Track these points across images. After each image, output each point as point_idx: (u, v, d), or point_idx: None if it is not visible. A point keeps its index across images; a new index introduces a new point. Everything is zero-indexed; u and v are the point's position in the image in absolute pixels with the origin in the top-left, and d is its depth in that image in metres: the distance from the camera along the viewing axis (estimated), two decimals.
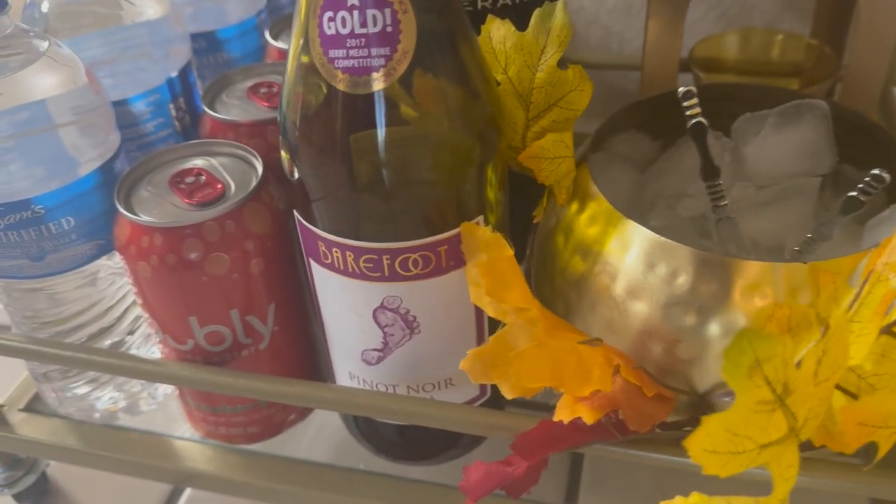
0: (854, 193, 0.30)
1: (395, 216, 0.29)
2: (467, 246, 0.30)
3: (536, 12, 0.31)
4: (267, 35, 0.46)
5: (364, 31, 0.26)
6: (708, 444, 0.21)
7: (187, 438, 0.41)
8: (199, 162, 0.36)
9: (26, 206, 0.33)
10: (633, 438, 0.29)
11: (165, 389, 0.43)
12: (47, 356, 0.36)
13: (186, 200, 0.33)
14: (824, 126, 0.36)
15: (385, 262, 0.30)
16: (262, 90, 0.40)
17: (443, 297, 0.31)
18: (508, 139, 0.34)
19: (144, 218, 0.33)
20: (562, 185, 0.34)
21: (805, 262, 0.27)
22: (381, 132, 0.27)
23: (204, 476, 0.40)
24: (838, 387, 0.25)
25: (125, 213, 0.33)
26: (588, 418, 0.27)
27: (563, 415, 0.27)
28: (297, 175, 0.30)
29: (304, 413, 0.41)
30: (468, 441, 0.39)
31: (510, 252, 0.28)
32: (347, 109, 0.27)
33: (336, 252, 0.30)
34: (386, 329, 0.32)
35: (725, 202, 0.34)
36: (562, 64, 0.32)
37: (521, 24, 0.32)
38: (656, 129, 0.39)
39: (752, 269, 0.28)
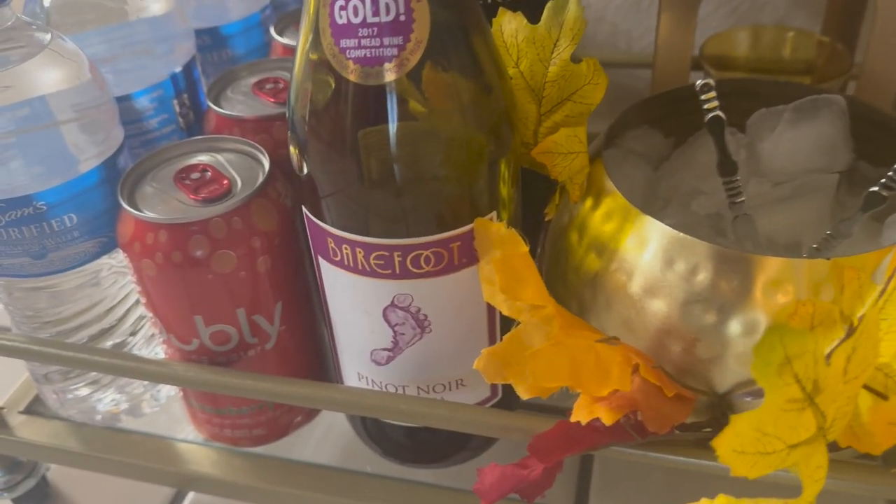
0: (876, 189, 0.30)
1: (407, 212, 0.29)
2: (480, 242, 0.29)
3: (549, 5, 0.31)
4: (272, 31, 0.45)
5: (376, 19, 0.25)
6: (736, 445, 0.20)
7: (191, 441, 0.41)
8: (204, 158, 0.35)
9: (28, 202, 0.33)
10: (652, 440, 0.28)
11: (168, 391, 0.43)
12: (48, 356, 0.35)
13: (192, 196, 0.33)
14: (841, 121, 0.35)
15: (396, 258, 0.29)
16: (268, 86, 0.39)
17: (455, 296, 0.31)
18: (520, 135, 0.33)
19: (149, 214, 0.32)
20: (575, 182, 0.33)
21: (828, 259, 0.27)
22: (393, 125, 0.27)
23: (208, 479, 0.39)
24: (865, 386, 0.25)
25: (129, 209, 0.32)
26: (606, 419, 0.26)
27: (580, 415, 0.26)
28: (306, 170, 0.29)
29: (310, 415, 0.40)
30: (478, 444, 0.38)
31: (525, 248, 0.28)
32: (359, 102, 0.27)
33: (346, 249, 0.29)
34: (396, 328, 0.31)
35: (742, 198, 0.33)
36: (572, 60, 0.31)
37: (534, 17, 0.31)
38: (669, 126, 0.39)
39: (773, 266, 0.27)
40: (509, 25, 0.31)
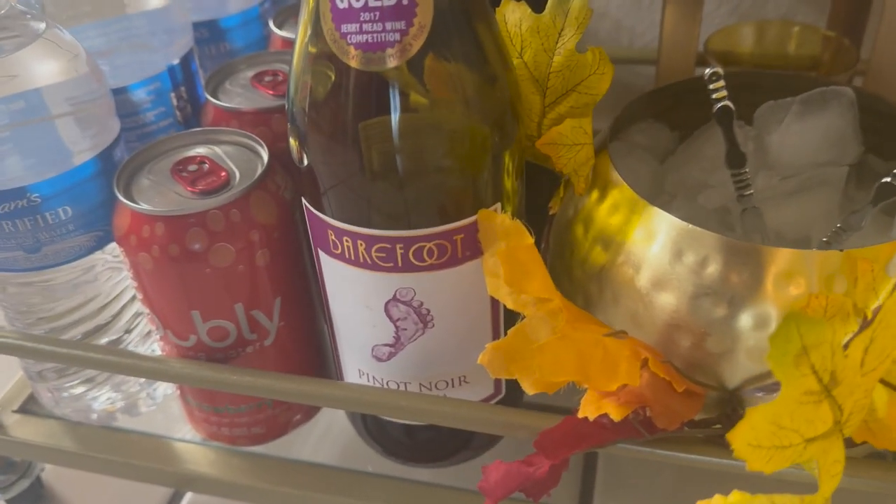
0: (888, 179, 0.29)
1: (409, 203, 0.28)
2: (484, 234, 0.28)
3: None
4: (271, 24, 0.45)
5: (378, 3, 0.24)
6: (752, 438, 0.20)
7: (188, 440, 0.40)
8: (202, 150, 0.34)
9: (22, 194, 0.32)
10: (660, 437, 0.27)
11: (165, 389, 0.42)
12: (42, 353, 0.35)
13: (189, 189, 0.32)
14: (850, 114, 0.35)
15: (398, 251, 0.28)
16: (267, 78, 0.39)
17: (458, 289, 0.30)
18: (524, 127, 0.32)
19: (145, 206, 0.31)
20: (580, 174, 0.32)
21: (841, 250, 0.26)
22: (395, 114, 0.26)
23: (206, 479, 0.38)
24: (882, 381, 0.24)
25: (125, 201, 0.31)
26: (615, 415, 0.25)
27: (588, 411, 0.26)
28: (306, 162, 0.29)
29: (309, 413, 0.39)
30: (481, 443, 0.37)
31: (530, 240, 0.27)
32: (360, 89, 0.26)
33: (347, 241, 0.29)
34: (398, 323, 0.31)
35: (751, 191, 0.32)
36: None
37: (538, 7, 0.30)
38: (674, 119, 0.38)
39: (785, 258, 0.26)
40: (513, 15, 0.31)
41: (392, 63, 0.25)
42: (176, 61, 0.41)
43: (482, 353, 0.26)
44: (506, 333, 0.27)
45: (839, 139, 0.35)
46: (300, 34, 0.27)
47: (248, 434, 0.38)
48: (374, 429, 0.38)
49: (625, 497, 0.40)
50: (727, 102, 0.31)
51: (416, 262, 0.29)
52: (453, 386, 0.33)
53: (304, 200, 0.30)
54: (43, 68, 0.32)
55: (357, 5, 0.24)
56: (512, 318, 0.28)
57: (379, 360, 0.32)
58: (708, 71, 0.30)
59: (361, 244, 0.29)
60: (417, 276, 0.29)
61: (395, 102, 0.26)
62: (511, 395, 0.35)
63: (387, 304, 0.30)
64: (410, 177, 0.27)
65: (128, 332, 0.39)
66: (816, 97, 0.35)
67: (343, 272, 0.30)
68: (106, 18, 0.39)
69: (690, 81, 0.37)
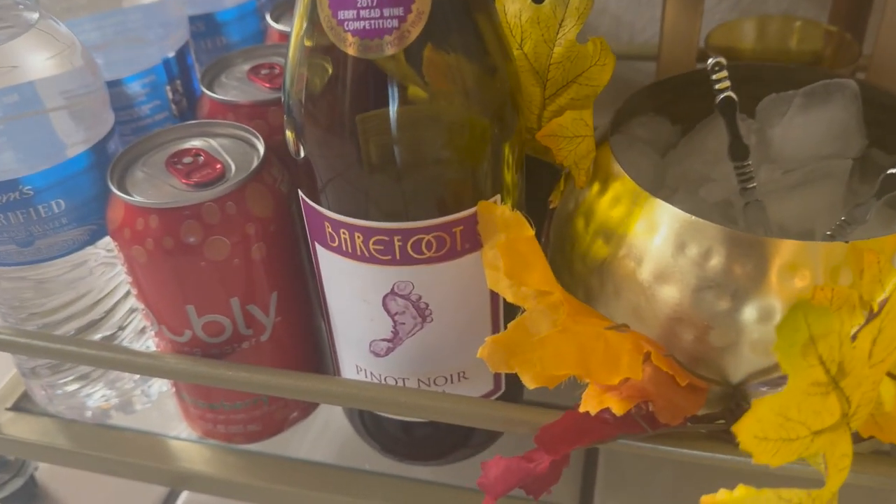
0: (893, 171, 0.29)
1: (408, 195, 0.27)
2: (484, 226, 0.28)
3: None
4: (268, 18, 0.44)
5: None
6: (758, 431, 0.19)
7: (184, 438, 0.40)
8: (197, 143, 0.34)
9: (14, 186, 0.32)
10: (663, 432, 0.27)
11: (160, 386, 0.41)
12: (35, 349, 0.34)
13: (184, 181, 0.31)
14: (854, 106, 0.34)
15: (396, 243, 0.28)
16: (264, 71, 0.38)
17: (457, 283, 0.29)
18: (525, 119, 0.32)
19: (139, 199, 0.31)
20: (581, 166, 0.32)
21: (846, 242, 0.26)
22: (393, 105, 0.26)
23: (201, 477, 0.38)
24: (889, 374, 0.24)
25: (119, 193, 0.31)
26: (617, 409, 0.25)
27: (589, 405, 0.25)
28: (303, 154, 0.28)
29: (306, 410, 0.39)
30: (480, 440, 0.37)
31: (531, 232, 0.27)
32: (357, 79, 0.26)
33: (344, 234, 0.28)
34: (396, 317, 0.30)
35: (754, 184, 0.32)
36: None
37: None
38: (675, 113, 0.38)
39: (789, 249, 0.26)
40: (513, 5, 0.31)
41: (390, 50, 0.25)
42: (171, 54, 0.40)
43: (482, 346, 0.26)
44: (506, 328, 0.26)
45: (843, 132, 0.35)
46: (296, 24, 0.27)
47: (244, 431, 0.37)
48: (371, 426, 0.37)
49: (626, 494, 0.40)
50: (730, 93, 0.30)
51: (415, 255, 0.28)
52: (452, 382, 0.32)
53: (300, 193, 0.30)
54: (36, 60, 0.32)
55: None
56: (512, 311, 0.28)
57: (377, 355, 0.32)
58: (711, 61, 0.30)
59: (359, 237, 0.28)
60: (416, 270, 0.29)
61: (393, 93, 0.26)
62: (511, 391, 0.35)
63: (384, 297, 0.29)
64: (409, 169, 0.27)
65: (122, 328, 0.39)
66: (819, 89, 0.35)
67: (340, 265, 0.30)
68: (101, 11, 0.39)
69: (692, 74, 0.37)
